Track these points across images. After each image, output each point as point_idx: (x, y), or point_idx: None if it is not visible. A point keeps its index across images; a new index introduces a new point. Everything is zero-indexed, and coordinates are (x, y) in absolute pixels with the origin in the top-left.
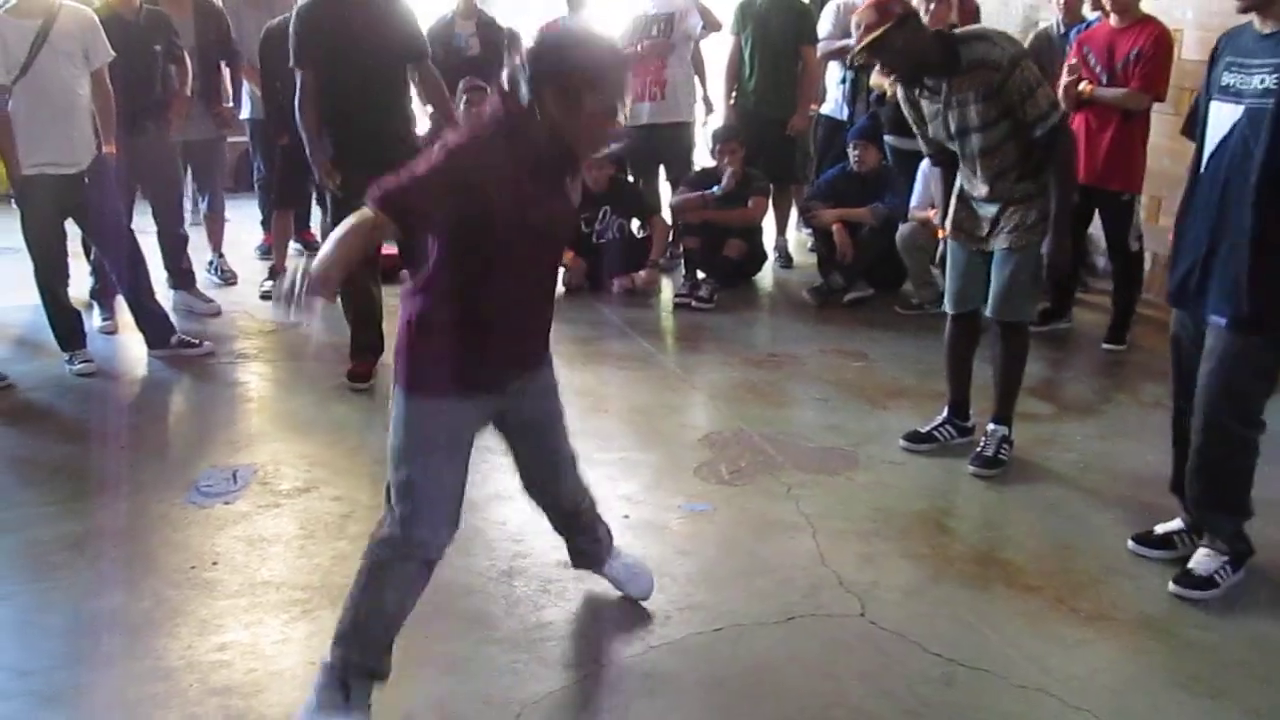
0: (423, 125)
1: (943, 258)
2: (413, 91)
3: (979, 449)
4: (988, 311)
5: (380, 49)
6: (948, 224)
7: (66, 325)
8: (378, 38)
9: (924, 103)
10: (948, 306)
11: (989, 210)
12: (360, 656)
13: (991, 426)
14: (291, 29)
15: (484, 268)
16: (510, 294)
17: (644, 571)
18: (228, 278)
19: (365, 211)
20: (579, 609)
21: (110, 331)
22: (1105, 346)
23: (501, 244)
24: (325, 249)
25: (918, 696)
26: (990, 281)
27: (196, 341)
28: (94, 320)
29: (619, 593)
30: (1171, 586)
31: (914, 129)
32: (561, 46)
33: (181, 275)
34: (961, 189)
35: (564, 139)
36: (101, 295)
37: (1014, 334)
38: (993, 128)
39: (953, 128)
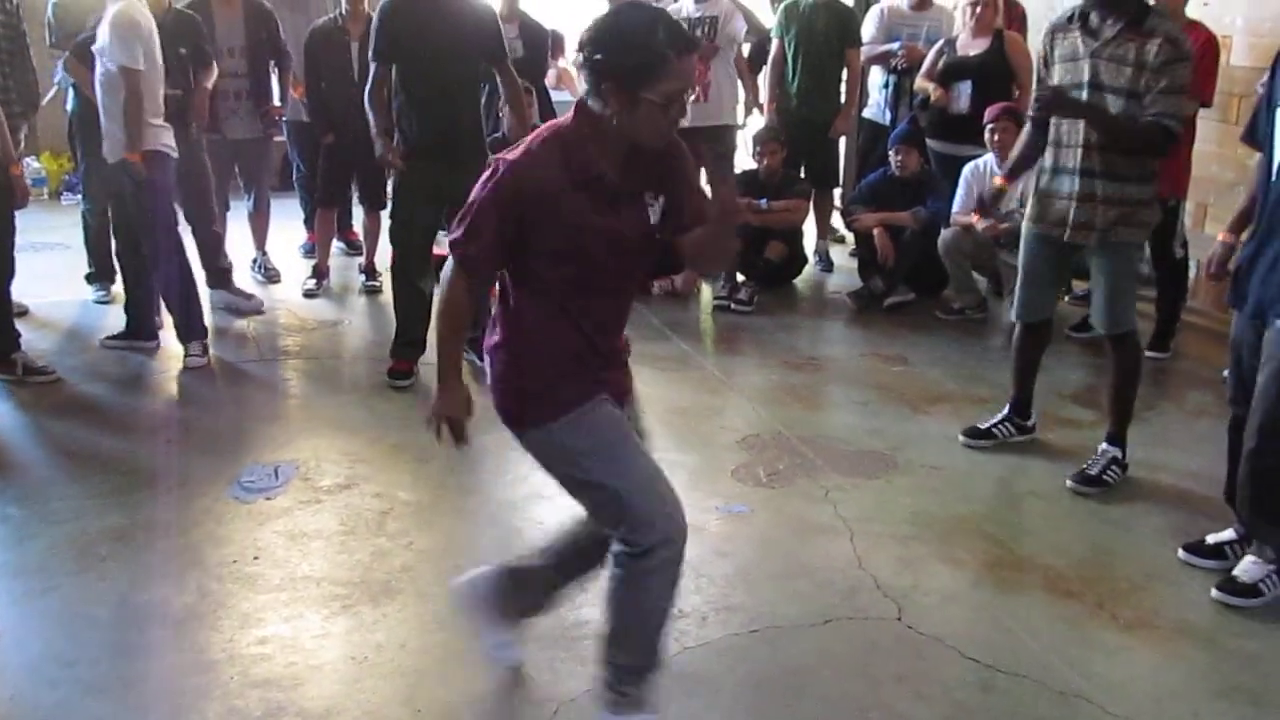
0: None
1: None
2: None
3: (1085, 466)
4: (1099, 328)
5: (458, 49)
6: (1028, 215)
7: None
8: (457, 37)
9: (1072, 39)
10: (1016, 315)
11: (1073, 185)
12: (634, 660)
13: (1103, 446)
14: (374, 24)
15: (565, 283)
16: (596, 304)
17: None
18: (271, 275)
19: (450, 294)
20: None
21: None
22: (1149, 354)
23: (567, 256)
24: (444, 366)
25: (955, 701)
26: (1055, 289)
27: (203, 361)
28: None
29: None
30: (1214, 593)
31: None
32: (609, 32)
33: (218, 274)
34: (1046, 178)
35: (631, 135)
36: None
37: (1122, 345)
38: (1128, 100)
39: (1088, 77)
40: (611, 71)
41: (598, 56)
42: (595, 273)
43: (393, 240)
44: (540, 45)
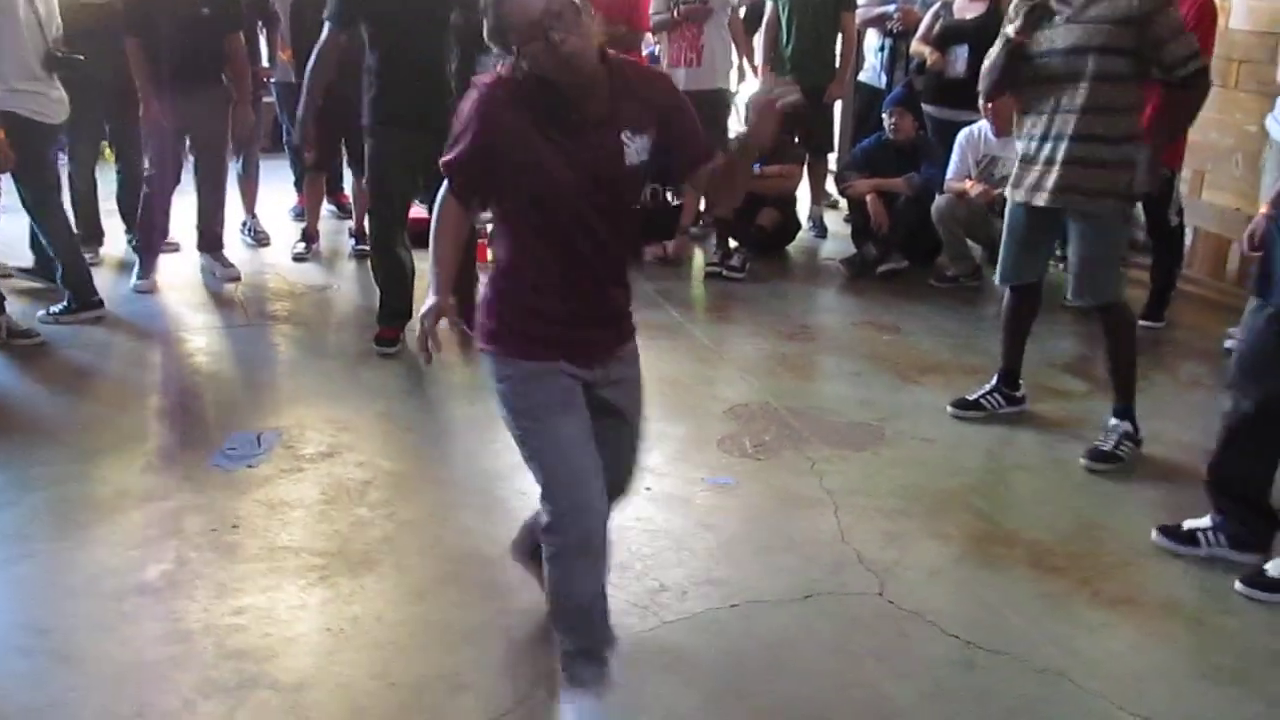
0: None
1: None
2: None
3: (1097, 442)
4: (1070, 297)
5: (433, 9)
6: (1010, 180)
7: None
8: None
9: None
10: (1000, 278)
11: (1053, 150)
12: (567, 640)
13: (1113, 422)
14: None
15: (527, 221)
16: (565, 246)
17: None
18: (261, 239)
19: (446, 213)
20: None
21: (147, 290)
22: (1142, 323)
23: (523, 188)
24: (431, 278)
25: (935, 679)
26: (1044, 252)
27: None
28: (132, 279)
29: (638, 567)
30: (1239, 586)
31: (1006, 36)
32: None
33: (210, 238)
34: (1030, 143)
35: (551, 81)
36: (142, 253)
37: (1110, 317)
38: (1113, 57)
39: (1069, 42)
40: (490, 27)
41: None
42: (556, 210)
43: (371, 212)
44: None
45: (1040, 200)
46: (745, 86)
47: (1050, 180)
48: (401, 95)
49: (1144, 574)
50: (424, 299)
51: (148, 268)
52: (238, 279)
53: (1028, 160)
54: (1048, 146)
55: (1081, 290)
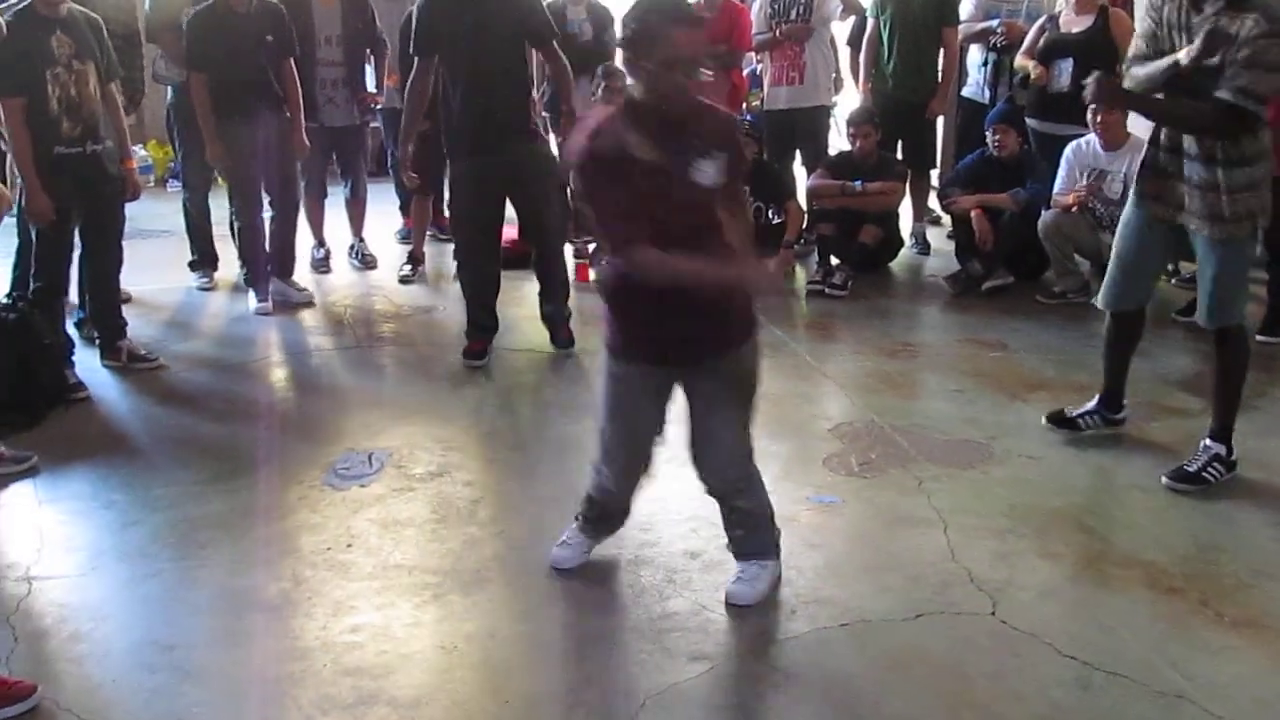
0: None
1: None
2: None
3: (1184, 462)
4: (1198, 320)
5: (497, 34)
6: (1135, 191)
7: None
8: (496, 22)
9: (1175, 10)
10: (1104, 303)
11: (1194, 170)
12: None
13: (1206, 443)
14: (415, 16)
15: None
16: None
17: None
18: (368, 261)
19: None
20: (705, 600)
21: (265, 312)
22: (1260, 339)
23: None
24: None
25: (1050, 700)
26: (1154, 276)
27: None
28: (250, 302)
29: None
30: None
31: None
32: (627, 13)
33: (283, 265)
34: (1161, 155)
35: (659, 100)
36: (254, 280)
37: (1229, 339)
38: (1219, 78)
39: (1203, 59)
40: (624, 45)
41: (620, 34)
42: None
43: (453, 232)
44: (608, 27)
45: (1175, 218)
46: (841, 99)
47: (1189, 201)
48: (470, 120)
49: (1267, 596)
50: None
51: (262, 292)
52: (311, 303)
53: (1163, 173)
54: (1188, 165)
55: (1207, 315)
